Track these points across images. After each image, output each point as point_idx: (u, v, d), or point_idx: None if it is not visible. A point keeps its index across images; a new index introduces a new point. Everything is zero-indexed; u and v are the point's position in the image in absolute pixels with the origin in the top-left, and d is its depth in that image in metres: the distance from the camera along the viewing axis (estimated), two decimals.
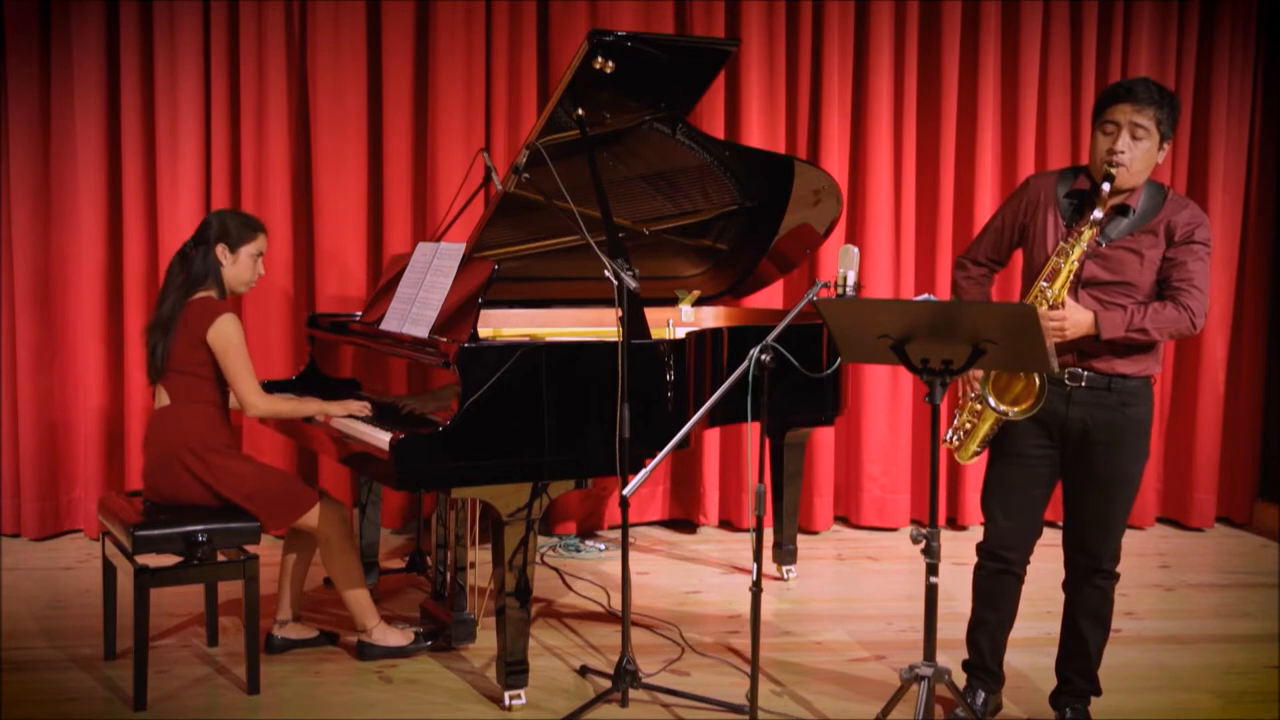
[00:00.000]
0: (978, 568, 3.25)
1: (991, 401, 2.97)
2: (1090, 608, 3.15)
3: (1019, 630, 3.32)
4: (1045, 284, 2.95)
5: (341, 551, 3.61)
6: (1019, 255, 3.23)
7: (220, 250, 3.56)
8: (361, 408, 3.64)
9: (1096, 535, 3.08)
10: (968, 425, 3.08)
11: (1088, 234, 2.91)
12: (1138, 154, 2.91)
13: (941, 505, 5.44)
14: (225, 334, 3.46)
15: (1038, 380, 2.90)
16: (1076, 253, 2.92)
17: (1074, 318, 2.92)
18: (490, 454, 3.23)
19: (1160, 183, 3.04)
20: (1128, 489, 3.06)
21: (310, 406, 3.68)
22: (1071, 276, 2.94)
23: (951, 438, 3.13)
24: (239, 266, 3.60)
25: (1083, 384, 3.01)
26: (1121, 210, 2.98)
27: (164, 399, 3.55)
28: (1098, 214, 2.88)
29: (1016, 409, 2.95)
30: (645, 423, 3.40)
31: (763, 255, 4.61)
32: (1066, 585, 3.19)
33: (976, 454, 3.12)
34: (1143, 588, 4.64)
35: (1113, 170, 2.89)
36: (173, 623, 3.99)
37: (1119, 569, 3.14)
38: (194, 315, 3.48)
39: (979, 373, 3.02)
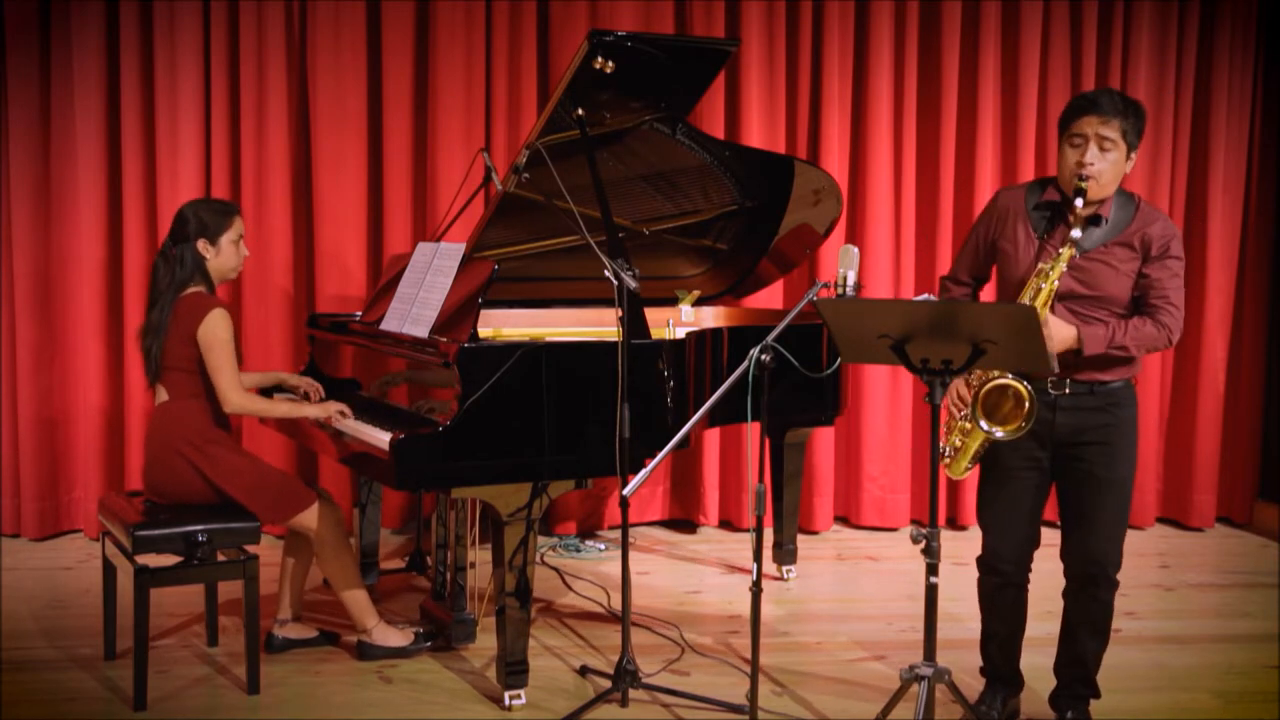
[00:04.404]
0: (980, 581, 3.25)
1: (983, 424, 2.93)
2: (1090, 619, 3.13)
3: None
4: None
5: (336, 554, 3.61)
6: None
7: (202, 245, 3.56)
8: (340, 410, 3.62)
9: (1100, 542, 3.04)
10: (957, 443, 3.06)
11: (1066, 254, 2.89)
12: (1106, 165, 2.91)
13: (941, 505, 5.43)
14: (213, 329, 3.47)
15: (1027, 403, 2.86)
16: (1056, 272, 2.90)
17: (1058, 334, 2.91)
18: (490, 454, 3.23)
19: (1130, 192, 3.04)
20: (1124, 491, 3.05)
21: (280, 408, 3.71)
22: (1051, 296, 2.92)
23: (945, 453, 3.10)
24: (223, 256, 3.60)
25: (1066, 390, 3.00)
26: (1094, 220, 2.97)
27: (163, 396, 3.57)
28: (1076, 233, 2.86)
29: (1004, 429, 2.90)
30: (645, 423, 3.40)
31: (763, 255, 4.61)
32: (1067, 594, 3.16)
33: (968, 469, 3.09)
34: (1143, 588, 4.64)
35: (1084, 185, 2.88)
36: (173, 623, 3.99)
37: (1118, 576, 3.12)
38: (185, 312, 3.49)
39: (968, 393, 3.00)
